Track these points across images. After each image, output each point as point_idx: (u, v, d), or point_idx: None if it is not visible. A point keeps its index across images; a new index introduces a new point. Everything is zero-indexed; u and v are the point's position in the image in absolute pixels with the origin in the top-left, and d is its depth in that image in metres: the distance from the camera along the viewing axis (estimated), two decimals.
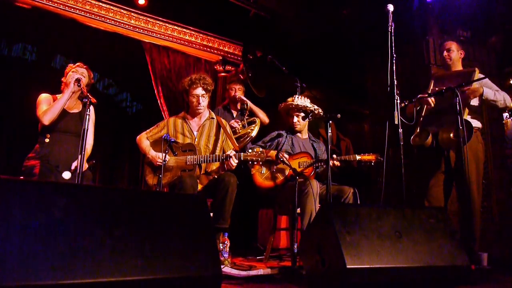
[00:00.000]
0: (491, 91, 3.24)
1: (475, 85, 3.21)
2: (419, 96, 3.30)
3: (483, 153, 3.35)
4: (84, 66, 3.22)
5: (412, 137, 3.31)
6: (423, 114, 3.38)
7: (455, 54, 3.49)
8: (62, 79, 3.19)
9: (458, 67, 3.51)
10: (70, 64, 3.25)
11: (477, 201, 3.18)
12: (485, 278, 2.47)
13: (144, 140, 3.33)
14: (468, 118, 3.19)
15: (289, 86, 3.94)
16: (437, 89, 3.26)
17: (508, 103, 3.29)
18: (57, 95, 3.15)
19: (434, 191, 3.26)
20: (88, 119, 2.64)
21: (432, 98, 3.28)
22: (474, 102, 3.26)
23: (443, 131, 3.19)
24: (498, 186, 4.25)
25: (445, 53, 3.51)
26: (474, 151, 3.19)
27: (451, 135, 3.11)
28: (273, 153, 3.34)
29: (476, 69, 3.32)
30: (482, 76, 3.26)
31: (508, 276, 2.67)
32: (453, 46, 3.50)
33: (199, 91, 3.26)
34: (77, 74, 3.10)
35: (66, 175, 2.92)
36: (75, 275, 1.18)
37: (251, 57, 4.41)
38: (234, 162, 3.06)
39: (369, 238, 1.81)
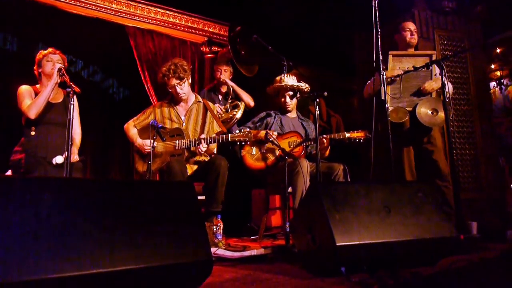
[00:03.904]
0: (450, 85, 3.51)
1: (430, 83, 3.43)
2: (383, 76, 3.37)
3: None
4: (57, 52, 3.12)
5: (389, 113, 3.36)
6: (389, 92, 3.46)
7: (417, 36, 3.67)
8: (35, 68, 3.10)
9: (413, 48, 3.67)
10: (41, 51, 3.14)
11: (448, 176, 3.35)
12: (474, 247, 2.51)
13: (132, 128, 3.30)
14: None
15: (275, 64, 3.90)
16: (398, 67, 3.40)
17: (451, 93, 3.68)
18: (36, 86, 3.08)
19: (408, 167, 3.40)
20: (73, 109, 2.61)
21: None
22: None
23: (421, 105, 3.34)
24: (486, 155, 4.30)
25: (414, 34, 3.63)
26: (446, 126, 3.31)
27: (428, 111, 3.23)
28: (262, 133, 3.33)
29: (435, 52, 3.54)
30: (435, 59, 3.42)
31: (497, 243, 2.73)
32: (415, 28, 3.68)
33: (173, 81, 3.22)
34: (52, 62, 3.02)
35: (59, 159, 2.88)
36: (65, 269, 1.18)
37: (232, 34, 4.32)
38: (203, 147, 3.05)
39: (358, 215, 1.83)
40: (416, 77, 3.39)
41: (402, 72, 3.31)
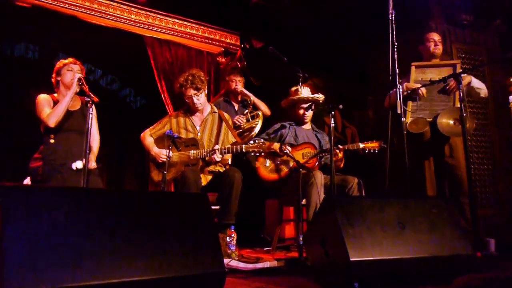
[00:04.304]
0: (477, 81, 3.41)
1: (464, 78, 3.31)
2: (408, 86, 3.33)
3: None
4: (78, 62, 3.16)
5: (408, 125, 3.30)
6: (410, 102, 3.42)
7: (441, 47, 3.60)
8: (53, 75, 3.14)
9: (438, 59, 3.60)
10: (61, 60, 3.19)
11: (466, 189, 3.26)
12: (491, 265, 2.46)
13: (148, 137, 3.35)
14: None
15: (290, 75, 3.91)
16: (421, 79, 3.32)
17: (486, 93, 3.49)
18: (54, 94, 3.14)
19: (429, 181, 3.32)
20: (91, 117, 2.66)
21: (424, 90, 3.33)
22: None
23: (442, 116, 3.25)
24: (505, 170, 4.23)
25: (439, 45, 3.57)
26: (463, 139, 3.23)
27: (451, 121, 3.17)
28: (276, 145, 3.34)
29: (460, 61, 3.51)
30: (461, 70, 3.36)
31: None
32: (440, 38, 3.61)
33: (191, 92, 3.25)
34: (72, 72, 3.07)
35: (79, 164, 2.90)
36: (80, 278, 1.20)
37: (247, 46, 4.37)
38: (217, 157, 3.06)
39: (372, 230, 1.82)
40: (438, 87, 3.31)
41: (420, 85, 3.27)
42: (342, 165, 3.43)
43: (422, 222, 1.92)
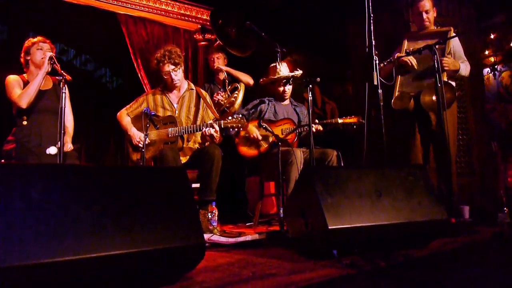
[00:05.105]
0: (465, 67, 3.33)
1: (452, 61, 3.27)
2: (396, 55, 3.31)
3: (456, 112, 3.47)
4: (47, 41, 3.08)
5: (392, 101, 3.31)
6: (399, 76, 3.39)
7: (431, 14, 3.46)
8: (22, 55, 3.05)
9: (432, 27, 3.51)
10: (29, 39, 3.08)
11: (453, 158, 3.29)
12: (465, 230, 2.55)
13: (125, 117, 3.29)
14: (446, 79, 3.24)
15: (268, 50, 3.88)
16: (411, 48, 3.27)
17: (468, 72, 3.42)
18: (23, 75, 3.05)
19: (414, 152, 3.35)
20: (65, 97, 2.60)
21: (415, 61, 3.28)
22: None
23: (425, 93, 3.20)
24: (478, 140, 4.33)
25: (424, 15, 3.44)
26: (451, 111, 3.25)
27: (434, 97, 3.14)
28: (253, 129, 3.36)
29: (452, 28, 3.36)
30: (454, 35, 3.32)
31: (489, 227, 2.76)
32: (430, 5, 3.45)
33: (168, 67, 3.19)
34: (42, 51, 2.99)
35: (52, 150, 2.85)
36: (57, 254, 1.19)
37: (220, 22, 4.32)
38: (215, 133, 3.03)
39: (350, 199, 1.85)
40: (424, 60, 3.23)
41: (401, 55, 3.27)
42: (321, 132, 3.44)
43: (399, 190, 1.96)
